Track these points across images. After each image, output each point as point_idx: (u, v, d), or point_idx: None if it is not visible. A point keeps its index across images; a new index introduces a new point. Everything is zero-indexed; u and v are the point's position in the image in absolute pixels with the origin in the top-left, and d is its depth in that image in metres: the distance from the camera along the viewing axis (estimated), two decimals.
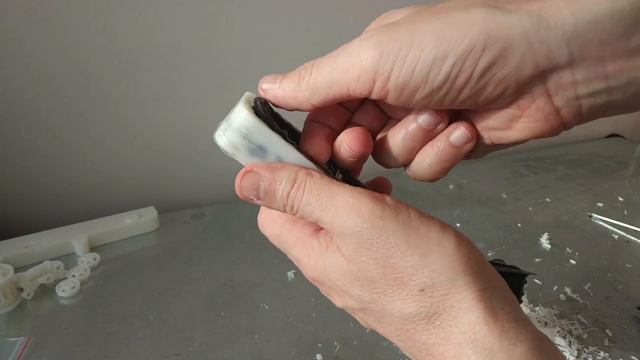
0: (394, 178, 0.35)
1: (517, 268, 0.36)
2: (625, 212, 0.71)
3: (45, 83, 0.61)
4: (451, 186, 0.79)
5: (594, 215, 0.70)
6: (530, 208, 0.72)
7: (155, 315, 0.50)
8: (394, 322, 0.24)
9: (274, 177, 0.24)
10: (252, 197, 0.25)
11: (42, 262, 0.54)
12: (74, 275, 0.55)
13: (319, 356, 0.44)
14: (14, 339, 0.46)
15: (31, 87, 0.61)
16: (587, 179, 0.82)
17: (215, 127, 0.25)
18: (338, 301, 0.27)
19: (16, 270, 0.52)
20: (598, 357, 0.44)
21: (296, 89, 0.24)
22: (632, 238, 0.64)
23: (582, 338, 0.47)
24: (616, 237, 0.65)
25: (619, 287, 0.54)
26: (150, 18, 0.63)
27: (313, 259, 0.26)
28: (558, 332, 0.46)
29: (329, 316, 0.49)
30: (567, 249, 0.61)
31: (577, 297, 0.52)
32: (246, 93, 0.26)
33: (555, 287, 0.54)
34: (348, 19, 0.73)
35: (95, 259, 0.58)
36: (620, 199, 0.75)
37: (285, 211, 0.25)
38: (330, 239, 0.25)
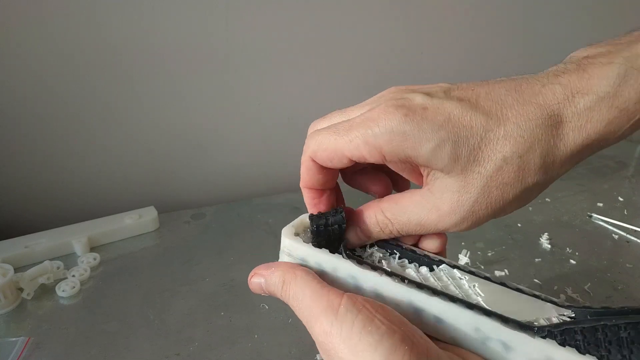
0: None
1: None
2: (625, 212, 0.71)
3: (45, 83, 0.61)
4: None
5: (594, 215, 0.70)
6: (530, 208, 0.72)
7: (155, 315, 0.50)
8: None
9: (269, 278, 0.29)
10: (260, 293, 0.30)
11: (42, 262, 0.54)
12: (74, 275, 0.55)
13: (318, 356, 0.44)
14: (14, 339, 0.46)
15: (31, 86, 0.61)
16: (587, 179, 0.82)
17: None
18: None
19: (16, 270, 0.52)
20: None
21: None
22: (632, 238, 0.64)
23: None
24: (616, 237, 0.65)
25: (619, 287, 0.54)
26: (150, 17, 0.63)
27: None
28: None
29: None
30: (567, 249, 0.61)
31: (577, 297, 0.52)
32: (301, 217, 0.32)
33: (556, 287, 0.54)
34: (348, 18, 0.73)
35: (95, 259, 0.58)
36: (620, 199, 0.75)
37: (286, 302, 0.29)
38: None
